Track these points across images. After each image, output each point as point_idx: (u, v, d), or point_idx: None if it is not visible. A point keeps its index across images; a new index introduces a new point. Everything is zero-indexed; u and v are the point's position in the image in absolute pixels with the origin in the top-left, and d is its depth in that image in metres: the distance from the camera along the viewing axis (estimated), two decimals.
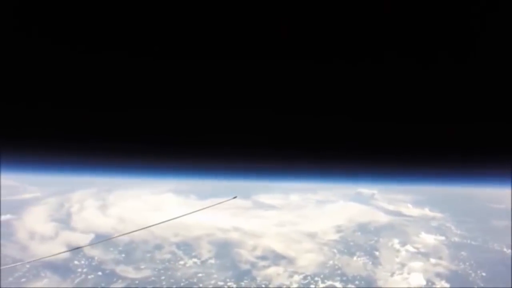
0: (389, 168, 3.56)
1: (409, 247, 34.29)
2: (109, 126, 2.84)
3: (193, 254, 32.49)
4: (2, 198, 34.54)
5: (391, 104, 2.48)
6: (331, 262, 33.22)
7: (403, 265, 32.38)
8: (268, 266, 32.09)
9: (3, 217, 32.23)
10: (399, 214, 39.51)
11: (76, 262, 30.59)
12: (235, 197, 4.95)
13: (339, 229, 36.63)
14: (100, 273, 30.15)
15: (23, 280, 28.90)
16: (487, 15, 1.89)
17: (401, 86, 2.32)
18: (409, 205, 40.93)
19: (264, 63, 2.21)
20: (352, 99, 2.46)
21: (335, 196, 41.68)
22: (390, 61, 2.14)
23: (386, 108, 2.52)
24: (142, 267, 30.65)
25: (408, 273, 31.33)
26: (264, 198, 40.12)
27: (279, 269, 31.96)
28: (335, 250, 34.47)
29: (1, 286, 23.84)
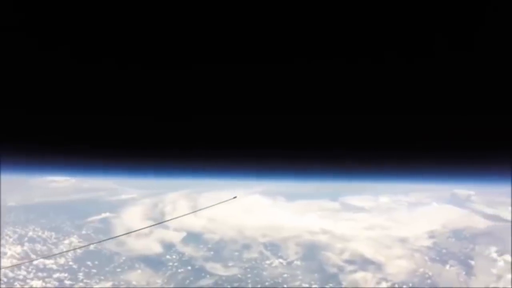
0: (390, 167, 3.71)
1: (507, 257, 30.75)
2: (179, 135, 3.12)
3: (280, 254, 32.79)
4: (103, 199, 38.16)
5: (393, 103, 2.54)
6: (421, 270, 31.17)
7: (499, 277, 29.66)
8: (356, 271, 31.02)
9: (103, 215, 35.50)
10: (498, 219, 35.11)
11: (168, 257, 32.63)
12: (235, 197, 5.05)
13: (431, 235, 33.89)
14: (189, 267, 31.77)
15: (118, 270, 31.58)
16: (487, 13, 1.92)
17: (403, 86, 2.37)
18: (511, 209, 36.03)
19: (267, 66, 2.25)
20: (355, 99, 2.53)
21: (429, 198, 38.39)
22: (390, 61, 2.19)
23: (388, 107, 2.59)
24: (230, 264, 31.82)
25: (505, 287, 28.86)
26: (353, 200, 38.58)
27: (367, 275, 30.77)
28: (426, 258, 32.24)
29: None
